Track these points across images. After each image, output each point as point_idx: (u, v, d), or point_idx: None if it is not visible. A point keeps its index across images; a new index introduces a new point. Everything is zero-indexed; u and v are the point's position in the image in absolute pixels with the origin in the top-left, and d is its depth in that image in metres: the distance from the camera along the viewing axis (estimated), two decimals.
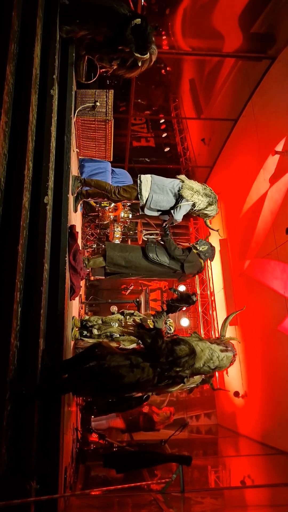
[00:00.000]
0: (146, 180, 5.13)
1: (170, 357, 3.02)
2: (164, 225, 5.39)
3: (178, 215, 5.10)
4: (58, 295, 3.69)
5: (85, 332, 5.66)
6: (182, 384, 3.26)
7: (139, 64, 4.67)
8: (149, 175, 5.19)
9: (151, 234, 11.96)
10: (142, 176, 5.18)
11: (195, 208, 5.14)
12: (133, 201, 5.28)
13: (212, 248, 5.73)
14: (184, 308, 5.26)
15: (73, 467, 4.55)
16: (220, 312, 11.53)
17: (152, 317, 4.91)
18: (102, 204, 9.29)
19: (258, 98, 8.99)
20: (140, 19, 4.42)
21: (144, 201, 5.11)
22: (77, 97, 5.33)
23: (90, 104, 5.27)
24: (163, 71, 16.02)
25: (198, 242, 5.66)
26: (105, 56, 4.91)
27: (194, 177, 14.58)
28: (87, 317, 6.03)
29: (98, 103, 5.26)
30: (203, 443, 10.50)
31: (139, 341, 3.32)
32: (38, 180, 3.55)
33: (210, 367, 3.21)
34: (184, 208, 5.07)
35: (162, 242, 5.48)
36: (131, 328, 5.64)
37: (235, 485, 6.04)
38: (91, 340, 5.42)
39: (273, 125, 8.23)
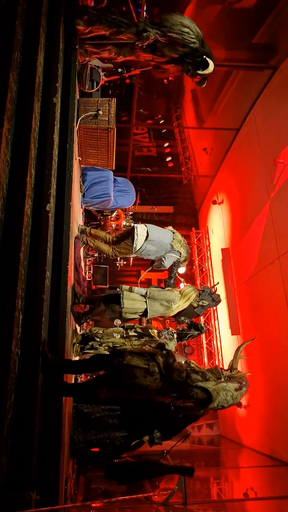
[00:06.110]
0: (142, 229, 5.53)
1: (183, 380, 3.16)
2: (153, 266, 5.82)
3: (167, 263, 5.55)
4: (60, 303, 3.67)
5: (87, 346, 5.47)
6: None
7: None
8: (144, 225, 5.61)
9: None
10: (138, 226, 5.59)
11: (180, 259, 5.58)
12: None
13: (215, 300, 5.35)
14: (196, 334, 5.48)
15: (73, 478, 4.48)
16: (222, 321, 11.49)
17: (151, 329, 5.26)
18: (104, 213, 9.31)
19: (260, 107, 9.03)
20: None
21: (137, 249, 5.54)
22: (80, 105, 5.34)
23: (93, 113, 5.29)
24: (165, 81, 16.13)
25: (202, 293, 5.23)
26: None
27: (196, 186, 14.61)
28: (87, 330, 5.86)
29: (100, 112, 5.28)
30: (205, 454, 10.40)
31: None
32: (40, 188, 3.54)
33: (224, 406, 3.32)
34: (173, 258, 5.54)
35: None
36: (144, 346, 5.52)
37: (238, 497, 5.96)
38: (92, 351, 5.30)
39: (275, 135, 8.25)
